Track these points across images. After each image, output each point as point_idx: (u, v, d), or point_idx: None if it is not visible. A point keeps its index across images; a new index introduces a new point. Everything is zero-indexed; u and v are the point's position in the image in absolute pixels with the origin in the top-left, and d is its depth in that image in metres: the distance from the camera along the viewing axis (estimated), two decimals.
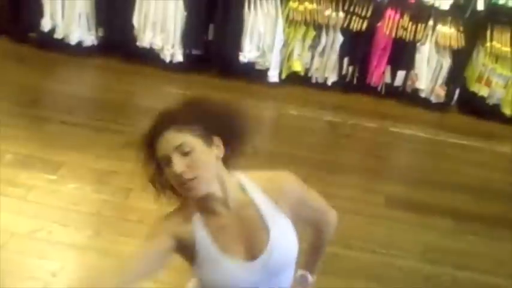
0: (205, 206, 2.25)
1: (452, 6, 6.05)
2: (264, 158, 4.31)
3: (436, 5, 6.05)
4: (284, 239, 2.27)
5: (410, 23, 6.16)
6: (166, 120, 2.23)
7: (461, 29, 6.16)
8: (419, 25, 6.17)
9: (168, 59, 6.28)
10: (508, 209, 5.21)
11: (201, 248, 2.23)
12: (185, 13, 6.13)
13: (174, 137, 2.18)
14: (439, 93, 6.29)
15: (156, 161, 2.23)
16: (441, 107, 6.34)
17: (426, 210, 5.00)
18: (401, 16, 6.18)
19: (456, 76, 6.29)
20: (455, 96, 6.41)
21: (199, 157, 2.17)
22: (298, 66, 6.29)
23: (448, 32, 6.13)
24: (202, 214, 2.27)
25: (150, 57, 6.30)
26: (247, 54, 6.16)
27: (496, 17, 6.18)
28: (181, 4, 6.11)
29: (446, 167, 5.64)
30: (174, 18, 6.17)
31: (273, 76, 6.24)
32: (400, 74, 6.29)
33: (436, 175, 5.48)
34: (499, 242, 4.83)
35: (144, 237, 2.28)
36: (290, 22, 6.20)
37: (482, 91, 6.24)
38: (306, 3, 6.12)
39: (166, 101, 6.05)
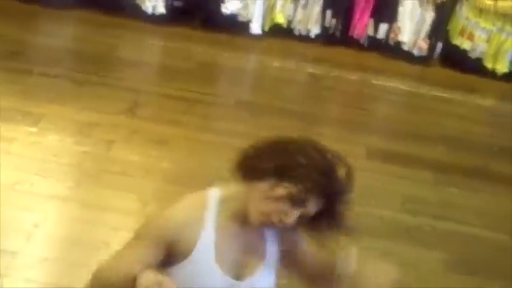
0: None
1: None
2: (246, 109, 4.34)
3: None
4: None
5: None
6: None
7: None
8: None
9: (150, 11, 6.22)
10: (487, 161, 5.25)
11: (198, 251, 2.14)
12: None
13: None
14: (421, 46, 6.29)
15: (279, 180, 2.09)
16: (423, 60, 6.35)
17: (407, 162, 5.03)
18: None
19: (439, 29, 6.29)
20: (438, 50, 6.41)
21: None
22: (280, 18, 6.27)
23: None
24: (218, 216, 2.20)
25: (131, 9, 6.23)
26: (230, 5, 6.12)
27: None
28: None
29: (428, 119, 5.66)
30: None
31: (256, 28, 6.21)
32: (383, 27, 6.28)
33: (417, 127, 5.51)
34: (479, 193, 4.88)
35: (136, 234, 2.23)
36: None
37: (465, 44, 6.25)
38: None
39: (148, 53, 6.07)
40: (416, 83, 6.13)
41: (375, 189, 4.69)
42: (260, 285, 2.23)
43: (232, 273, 2.17)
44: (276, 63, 6.03)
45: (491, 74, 6.33)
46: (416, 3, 6.19)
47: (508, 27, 6.17)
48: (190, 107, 5.23)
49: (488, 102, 6.14)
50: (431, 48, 6.32)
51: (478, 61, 6.33)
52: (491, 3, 6.10)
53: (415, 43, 6.27)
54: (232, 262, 2.18)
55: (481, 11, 6.15)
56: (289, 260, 2.30)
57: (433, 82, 6.16)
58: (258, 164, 2.14)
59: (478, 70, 6.32)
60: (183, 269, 2.14)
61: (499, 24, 6.17)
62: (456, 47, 6.29)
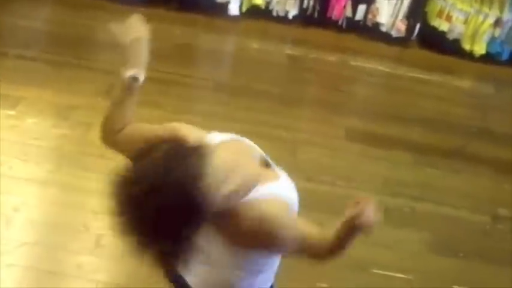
0: None
1: None
2: (224, 91, 4.32)
3: None
4: None
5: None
6: None
7: None
8: None
9: None
10: (466, 142, 5.29)
11: None
12: None
13: None
14: (399, 28, 6.29)
15: None
16: (402, 41, 6.35)
17: (386, 144, 5.06)
18: None
19: (417, 11, 6.28)
20: (416, 31, 6.41)
21: None
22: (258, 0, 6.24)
23: None
24: None
25: None
26: None
27: None
28: None
29: (406, 100, 5.67)
30: None
31: (234, 9, 6.17)
32: (361, 8, 6.26)
33: (395, 109, 5.52)
34: (458, 174, 4.92)
35: None
36: None
37: (443, 26, 6.25)
38: None
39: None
40: (395, 64, 6.13)
41: (354, 171, 4.72)
42: None
43: None
44: (254, 45, 6.01)
45: (469, 56, 6.34)
46: None
47: (485, 9, 6.18)
48: (168, 88, 5.21)
49: (466, 83, 6.16)
50: (410, 29, 6.32)
51: (456, 42, 6.35)
52: None
53: (393, 24, 6.26)
54: None
55: None
56: None
57: (411, 63, 6.17)
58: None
59: (456, 51, 6.33)
60: None
61: (476, 6, 6.18)
62: (434, 29, 6.30)
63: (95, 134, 4.49)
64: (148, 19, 6.08)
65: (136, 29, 2.36)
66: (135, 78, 2.32)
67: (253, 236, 2.18)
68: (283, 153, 4.68)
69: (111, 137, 2.40)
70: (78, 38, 5.70)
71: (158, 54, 5.70)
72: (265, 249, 2.30)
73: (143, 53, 2.34)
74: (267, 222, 2.16)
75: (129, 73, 2.31)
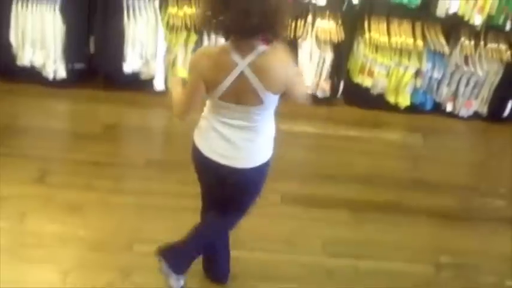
0: None
1: (329, 1, 6.13)
2: (156, 167, 4.31)
3: (313, 1, 6.12)
4: None
5: (290, 20, 6.22)
6: None
7: (339, 22, 6.26)
8: (298, 22, 6.25)
9: (51, 76, 6.11)
10: (400, 194, 5.35)
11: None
12: (64, 27, 6.00)
13: None
14: (324, 88, 6.37)
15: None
16: (328, 100, 6.43)
17: (322, 204, 5.09)
18: None
19: (339, 69, 6.39)
20: (341, 89, 6.51)
21: None
22: (183, 73, 6.25)
23: (328, 27, 6.22)
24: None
25: (32, 76, 6.09)
26: (131, 64, 6.08)
27: (372, 8, 6.32)
28: (58, 18, 5.96)
29: (338, 159, 5.72)
30: (53, 33, 6.01)
31: (159, 84, 6.19)
32: None
33: (328, 168, 5.56)
34: (396, 228, 4.97)
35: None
36: (171, 28, 6.16)
37: (366, 82, 6.37)
38: (185, 8, 6.09)
39: (52, 119, 5.94)
40: (323, 123, 6.19)
41: (293, 235, 4.72)
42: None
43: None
44: None
45: (395, 108, 6.46)
46: (315, 45, 6.28)
47: (405, 61, 6.32)
48: (100, 170, 5.17)
49: (395, 136, 6.26)
50: (334, 88, 6.42)
51: (381, 96, 6.46)
52: (386, 39, 6.25)
53: (317, 85, 6.34)
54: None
55: (377, 48, 6.29)
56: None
57: (339, 121, 6.25)
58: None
59: (381, 105, 6.44)
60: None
61: (396, 58, 6.32)
62: (358, 85, 6.41)
63: (30, 223, 4.49)
64: (75, 101, 6.10)
65: None
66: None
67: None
68: None
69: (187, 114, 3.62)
70: (4, 125, 5.59)
71: (88, 136, 5.74)
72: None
73: None
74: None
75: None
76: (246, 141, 3.58)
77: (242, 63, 3.33)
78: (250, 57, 3.32)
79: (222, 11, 3.17)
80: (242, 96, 3.40)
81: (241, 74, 3.34)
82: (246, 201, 3.84)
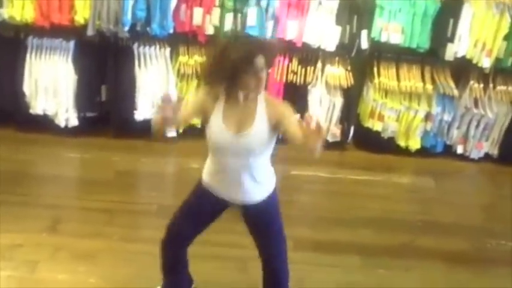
0: (234, 95, 3.51)
1: (338, 47, 6.20)
2: (168, 214, 4.32)
3: (323, 47, 6.19)
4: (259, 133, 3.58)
5: (300, 67, 6.29)
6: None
7: (349, 68, 6.33)
8: (308, 68, 6.31)
9: (63, 124, 6.21)
10: (412, 237, 5.33)
11: (214, 113, 3.57)
12: (76, 76, 6.10)
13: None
14: (334, 133, 6.41)
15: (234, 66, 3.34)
16: (338, 145, 6.46)
17: (334, 249, 5.07)
18: (290, 61, 6.30)
19: (349, 114, 6.44)
20: (351, 134, 6.55)
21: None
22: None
23: (337, 72, 6.29)
24: (227, 97, 3.55)
25: (44, 124, 6.21)
26: (142, 112, 6.15)
27: (381, 53, 6.38)
28: (71, 67, 6.07)
29: (349, 203, 5.73)
30: (65, 82, 6.12)
31: (171, 131, 6.23)
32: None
33: (340, 213, 5.57)
34: (408, 272, 4.93)
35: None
36: (182, 76, 6.23)
37: (376, 126, 6.40)
38: (196, 57, 6.18)
39: (65, 167, 5.97)
40: (334, 168, 6.21)
41: (306, 281, 4.70)
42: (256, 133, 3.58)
43: (235, 130, 3.56)
44: (195, 165, 5.98)
45: (406, 152, 6.49)
46: (325, 90, 6.33)
47: (414, 105, 6.36)
48: (112, 217, 5.19)
49: (406, 179, 6.27)
50: (344, 133, 6.46)
51: (391, 140, 6.49)
52: (395, 84, 6.29)
53: (328, 130, 6.37)
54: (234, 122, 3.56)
55: (387, 92, 6.34)
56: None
57: (350, 166, 6.28)
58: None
59: (392, 149, 6.47)
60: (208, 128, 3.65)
61: (405, 103, 6.36)
62: (368, 129, 6.44)
63: (42, 272, 4.49)
64: (87, 149, 6.15)
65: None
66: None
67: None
68: (234, 271, 4.67)
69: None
70: (17, 174, 5.66)
71: (100, 184, 5.76)
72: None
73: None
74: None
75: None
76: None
77: None
78: None
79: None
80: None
81: None
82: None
